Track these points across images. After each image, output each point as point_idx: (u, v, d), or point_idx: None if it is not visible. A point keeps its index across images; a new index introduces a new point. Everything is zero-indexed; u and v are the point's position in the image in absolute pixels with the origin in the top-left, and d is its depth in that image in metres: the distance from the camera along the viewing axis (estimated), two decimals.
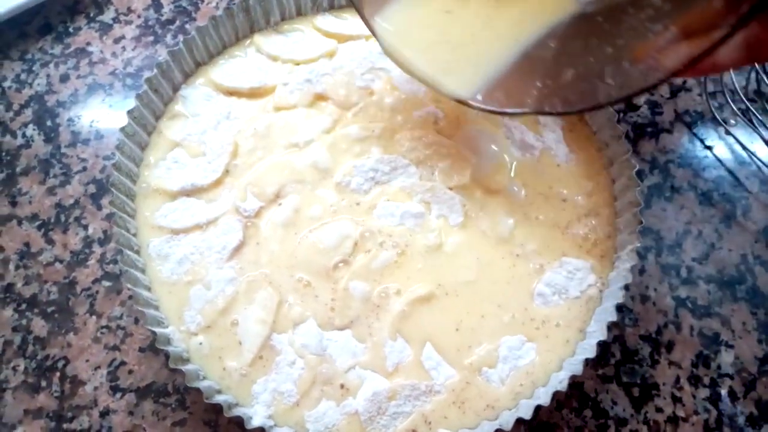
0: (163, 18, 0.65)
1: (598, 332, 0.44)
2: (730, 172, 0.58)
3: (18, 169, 0.57)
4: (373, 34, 0.47)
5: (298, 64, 0.55)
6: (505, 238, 0.49)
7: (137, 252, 0.47)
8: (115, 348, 0.49)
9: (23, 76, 0.61)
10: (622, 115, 0.60)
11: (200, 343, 0.44)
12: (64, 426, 0.47)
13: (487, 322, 0.46)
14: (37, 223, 0.54)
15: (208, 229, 0.48)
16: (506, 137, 0.52)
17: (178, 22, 0.65)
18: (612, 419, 0.48)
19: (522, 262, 0.48)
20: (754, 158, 0.58)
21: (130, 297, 0.50)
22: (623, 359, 0.50)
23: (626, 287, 0.45)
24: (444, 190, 0.50)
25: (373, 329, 0.45)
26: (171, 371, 0.48)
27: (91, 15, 0.65)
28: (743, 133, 0.58)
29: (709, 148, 0.59)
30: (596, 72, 0.39)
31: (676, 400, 0.49)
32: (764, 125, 0.56)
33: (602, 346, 0.43)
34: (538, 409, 0.41)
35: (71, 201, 0.55)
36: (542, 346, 0.45)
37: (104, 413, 0.47)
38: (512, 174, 0.51)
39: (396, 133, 0.51)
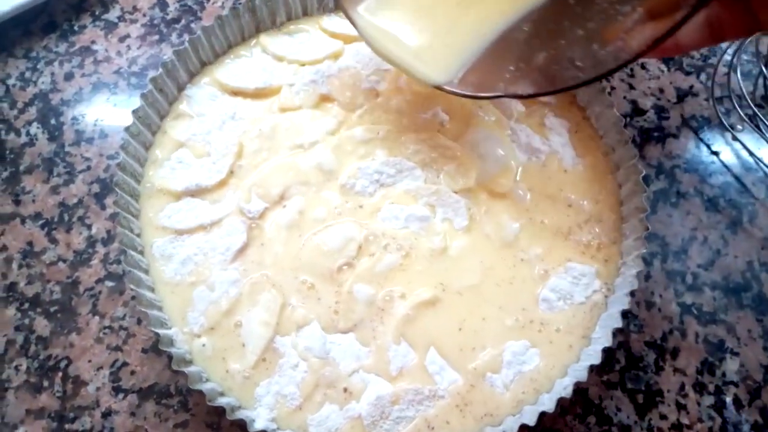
0: (169, 17, 0.65)
1: (603, 338, 0.44)
2: (737, 178, 0.57)
3: (22, 168, 0.57)
4: (351, 22, 0.48)
5: (303, 64, 0.55)
6: (510, 242, 0.48)
7: (141, 252, 0.47)
8: (118, 348, 0.49)
9: (28, 74, 0.61)
10: (628, 119, 0.60)
11: (203, 345, 0.44)
12: (66, 426, 0.47)
13: (492, 326, 0.46)
14: (41, 222, 0.54)
15: (212, 230, 0.48)
16: (512, 141, 0.52)
17: (183, 21, 0.65)
18: (616, 426, 0.47)
19: (527, 266, 0.48)
20: (761, 164, 0.57)
21: (133, 297, 0.50)
22: (628, 365, 0.49)
23: (632, 293, 0.45)
24: (449, 193, 0.49)
25: (377, 333, 0.45)
26: (173, 372, 0.47)
27: (97, 13, 0.65)
28: (750, 139, 0.58)
29: (715, 153, 0.59)
30: (567, 55, 0.41)
31: (681, 407, 0.48)
32: None
33: (607, 352, 0.43)
34: (542, 415, 0.41)
35: (75, 200, 0.55)
36: (546, 352, 0.45)
37: (106, 414, 0.47)
38: (518, 178, 0.51)
39: (401, 136, 0.51)
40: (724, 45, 0.63)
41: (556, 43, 0.42)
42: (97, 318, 0.50)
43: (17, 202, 0.55)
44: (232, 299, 0.45)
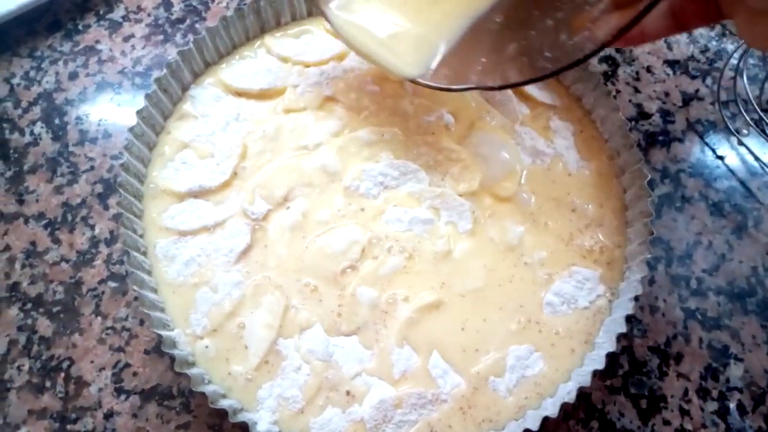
0: (173, 17, 0.65)
1: (606, 343, 0.44)
2: (742, 182, 0.57)
3: (25, 167, 0.56)
4: (326, 18, 0.49)
5: (308, 66, 0.54)
6: (514, 245, 0.48)
7: (144, 253, 0.47)
8: (120, 349, 0.49)
9: (32, 74, 0.61)
10: (634, 123, 0.60)
11: (206, 347, 0.44)
12: (68, 427, 0.47)
13: (495, 330, 0.45)
14: (44, 222, 0.54)
15: (216, 232, 0.48)
16: (517, 144, 0.52)
17: (188, 22, 0.64)
18: (619, 431, 0.47)
19: (530, 270, 0.48)
20: (767, 169, 0.57)
21: (136, 298, 0.50)
22: (631, 370, 0.49)
23: (636, 298, 0.44)
24: (453, 196, 0.49)
25: (380, 336, 0.45)
26: (176, 374, 0.47)
27: (101, 13, 0.65)
28: (756, 144, 0.58)
29: (720, 158, 0.58)
30: (536, 45, 0.41)
31: (684, 412, 0.48)
32: None
33: (610, 357, 0.43)
34: (545, 420, 0.41)
35: (78, 200, 0.55)
36: (550, 356, 0.45)
37: (108, 415, 0.47)
38: (522, 181, 0.51)
39: (406, 138, 0.51)
40: (730, 49, 0.63)
41: (526, 33, 0.42)
42: (99, 319, 0.50)
43: (21, 202, 0.55)
44: (235, 301, 0.45)
